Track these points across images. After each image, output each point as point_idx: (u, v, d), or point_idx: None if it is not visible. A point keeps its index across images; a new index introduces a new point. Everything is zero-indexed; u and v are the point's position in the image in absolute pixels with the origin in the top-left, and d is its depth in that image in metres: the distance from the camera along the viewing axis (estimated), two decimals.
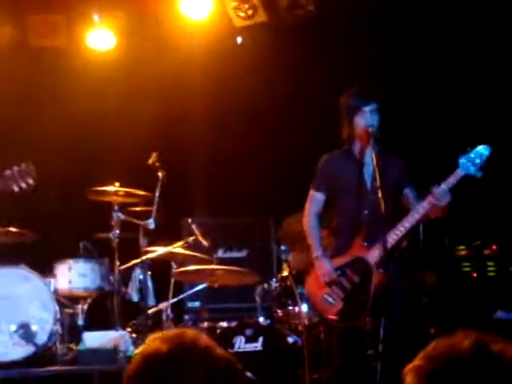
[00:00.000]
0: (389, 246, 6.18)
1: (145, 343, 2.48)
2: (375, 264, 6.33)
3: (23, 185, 6.37)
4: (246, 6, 8.67)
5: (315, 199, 6.65)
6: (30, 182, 6.38)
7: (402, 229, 6.24)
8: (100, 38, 8.96)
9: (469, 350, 2.16)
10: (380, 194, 6.04)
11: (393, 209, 6.28)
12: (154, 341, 2.32)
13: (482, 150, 6.15)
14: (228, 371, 2.31)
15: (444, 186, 6.14)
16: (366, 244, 6.39)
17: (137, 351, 6.89)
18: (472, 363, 2.15)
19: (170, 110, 9.29)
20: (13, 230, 7.32)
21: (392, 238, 6.23)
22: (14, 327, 7.33)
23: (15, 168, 6.37)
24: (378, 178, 6.09)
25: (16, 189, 6.36)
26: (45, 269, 8.02)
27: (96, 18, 8.66)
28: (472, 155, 6.13)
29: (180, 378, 2.23)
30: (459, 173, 6.15)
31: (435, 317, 7.60)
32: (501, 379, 2.16)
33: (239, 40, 9.25)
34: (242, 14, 8.74)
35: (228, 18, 8.81)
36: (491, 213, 8.66)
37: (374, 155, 6.20)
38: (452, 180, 6.16)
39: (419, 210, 6.18)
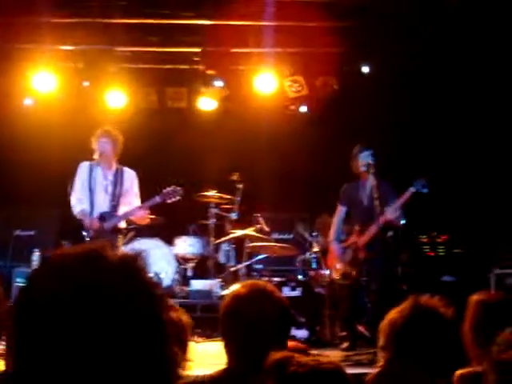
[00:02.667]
0: (370, 235, 6.33)
1: (231, 288, 2.61)
2: (362, 246, 6.44)
3: (173, 199, 6.36)
4: (296, 84, 8.56)
5: (339, 210, 6.77)
6: (178, 197, 6.40)
7: (373, 227, 6.29)
8: (206, 102, 8.85)
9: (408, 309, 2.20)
10: (375, 203, 6.09)
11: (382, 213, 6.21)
12: (238, 287, 2.38)
13: (425, 177, 6.21)
14: (284, 307, 2.35)
15: (394, 206, 6.20)
16: (359, 233, 6.48)
17: (225, 293, 7.13)
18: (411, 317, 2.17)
19: (246, 147, 9.15)
20: (151, 216, 7.06)
21: (371, 230, 6.32)
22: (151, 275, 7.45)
23: (169, 188, 6.36)
24: (374, 194, 6.13)
25: (169, 201, 6.38)
26: (169, 240, 8.11)
27: (204, 90, 8.63)
28: (421, 180, 6.18)
29: (254, 310, 2.25)
30: (411, 189, 6.19)
31: (405, 279, 7.48)
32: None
33: (303, 109, 9.06)
34: (293, 89, 8.62)
35: (285, 92, 8.72)
36: (444, 212, 8.40)
37: (372, 182, 6.25)
38: (401, 200, 6.21)
39: (379, 220, 6.16)
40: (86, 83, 8.32)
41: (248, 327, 2.23)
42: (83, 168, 6.46)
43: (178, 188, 6.40)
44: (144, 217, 6.48)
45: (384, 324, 2.21)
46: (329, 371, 1.66)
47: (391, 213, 6.25)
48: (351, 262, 6.53)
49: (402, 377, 2.17)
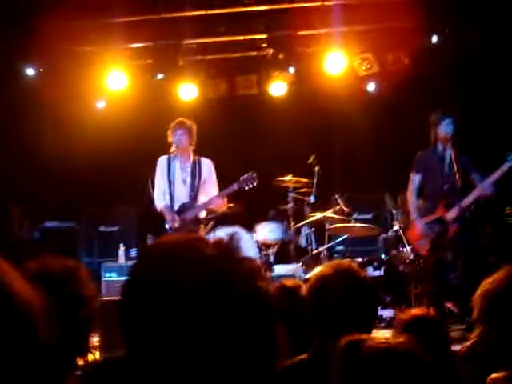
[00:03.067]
0: (461, 209, 6.17)
1: (314, 271, 2.70)
2: (451, 220, 6.27)
3: (250, 186, 6.38)
4: (366, 61, 8.49)
5: (413, 179, 6.56)
6: (254, 184, 6.41)
7: (466, 201, 6.17)
8: (277, 87, 8.84)
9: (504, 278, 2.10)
10: (457, 176, 6.03)
11: (463, 186, 6.18)
12: (323, 267, 2.48)
13: None
14: (370, 286, 2.40)
15: (487, 181, 6.03)
16: (446, 208, 6.31)
17: (308, 276, 7.13)
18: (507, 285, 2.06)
19: (320, 129, 9.18)
20: (231, 205, 7.20)
21: (463, 204, 6.18)
22: None
23: (246, 175, 6.39)
24: (455, 166, 6.04)
25: (246, 188, 6.41)
26: (249, 227, 8.04)
27: (275, 76, 8.62)
28: None
29: (341, 291, 2.27)
30: (507, 165, 6.01)
31: (492, 252, 7.21)
32: None
33: (371, 87, 8.98)
34: (363, 67, 8.54)
35: (355, 71, 8.66)
36: None
37: (451, 152, 6.17)
38: (495, 175, 6.03)
39: (474, 194, 6.09)
40: (158, 76, 8.41)
41: (335, 308, 2.24)
42: (162, 162, 6.53)
43: (254, 175, 6.42)
44: (223, 205, 6.51)
45: (477, 295, 2.13)
46: (402, 352, 1.57)
47: (486, 188, 6.11)
48: (437, 237, 6.38)
49: (499, 349, 2.10)
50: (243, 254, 1.12)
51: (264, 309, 1.08)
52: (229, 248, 1.10)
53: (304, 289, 2.56)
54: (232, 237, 1.12)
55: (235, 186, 6.38)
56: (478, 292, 2.12)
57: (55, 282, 1.76)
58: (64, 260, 1.87)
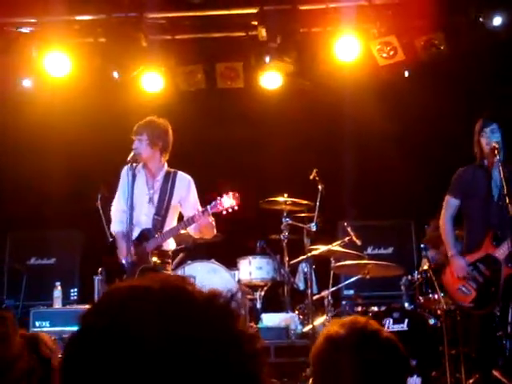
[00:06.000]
0: None
1: (318, 323, 2.63)
2: (504, 259, 6.18)
3: (229, 209, 6.24)
4: (388, 47, 8.42)
5: (450, 204, 6.52)
6: (235, 206, 6.23)
7: None
8: (270, 79, 8.79)
9: None
10: (506, 200, 5.89)
11: None
12: (333, 325, 2.43)
13: None
14: (397, 351, 2.40)
15: None
16: (494, 243, 6.23)
17: (306, 330, 7.00)
18: None
19: (324, 135, 9.26)
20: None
21: None
22: None
23: (224, 196, 6.25)
24: (504, 186, 5.92)
25: (224, 212, 6.25)
26: (229, 263, 8.19)
27: (267, 61, 8.55)
28: None
29: (359, 359, 2.27)
30: None
31: None
32: None
33: (407, 73, 8.98)
34: (384, 55, 8.48)
35: (373, 59, 8.58)
36: None
37: (500, 168, 6.05)
38: None
39: None
40: (110, 64, 8.38)
41: (352, 381, 2.27)
42: (124, 173, 6.50)
43: (235, 195, 6.32)
44: (211, 227, 6.40)
45: None
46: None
47: None
48: (486, 283, 6.27)
49: None
50: (241, 319, 1.17)
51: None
52: (224, 306, 1.16)
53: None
54: (232, 292, 1.18)
55: (210, 209, 6.28)
56: None
57: None
58: None
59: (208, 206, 6.22)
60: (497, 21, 8.04)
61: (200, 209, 6.33)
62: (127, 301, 1.13)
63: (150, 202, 6.41)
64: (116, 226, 6.44)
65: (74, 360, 1.12)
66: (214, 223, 6.37)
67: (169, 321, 1.10)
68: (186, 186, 6.49)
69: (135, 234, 6.28)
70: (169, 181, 6.45)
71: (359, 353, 2.30)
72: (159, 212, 6.39)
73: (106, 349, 1.08)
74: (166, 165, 6.49)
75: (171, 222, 6.43)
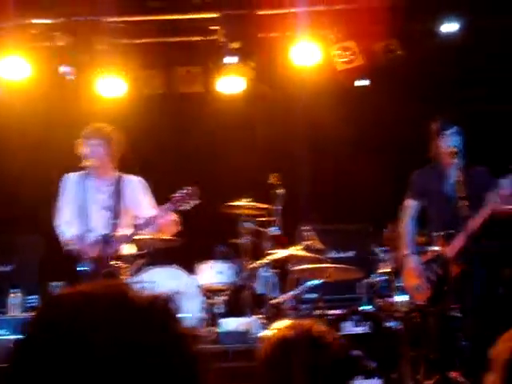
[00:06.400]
0: (465, 241, 6.12)
1: (274, 330, 2.59)
2: (453, 257, 6.25)
3: (188, 205, 6.36)
4: (348, 52, 8.50)
5: (409, 206, 6.61)
6: (195, 202, 6.36)
7: (473, 224, 6.10)
8: (229, 84, 8.79)
9: None
10: (462, 202, 5.96)
11: (475, 212, 6.10)
12: (280, 328, 2.46)
13: None
14: (343, 353, 2.38)
15: (500, 191, 6.03)
16: (447, 242, 6.31)
17: (265, 334, 7.01)
18: None
19: (283, 139, 9.23)
20: (166, 237, 7.18)
21: (468, 231, 6.10)
22: None
23: (182, 191, 6.36)
24: (461, 189, 5.99)
25: (183, 208, 6.36)
26: (190, 268, 8.11)
27: (226, 66, 8.61)
28: None
29: (304, 360, 2.28)
30: None
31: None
32: None
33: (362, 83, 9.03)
34: (343, 60, 8.54)
35: (330, 64, 8.63)
36: None
37: (457, 170, 6.13)
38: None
39: (490, 203, 6.06)
40: (68, 68, 8.32)
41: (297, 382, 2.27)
42: (69, 182, 6.53)
43: (193, 189, 6.41)
44: (174, 223, 6.47)
45: (495, 354, 2.16)
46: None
47: (508, 186, 6.06)
48: (438, 281, 6.37)
49: None
50: (180, 319, 1.18)
51: None
52: (165, 310, 1.17)
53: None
54: (172, 296, 1.19)
55: (169, 207, 6.35)
56: (495, 352, 2.13)
57: None
58: None
59: (168, 204, 6.29)
60: (449, 27, 8.16)
61: (159, 208, 6.41)
62: (70, 308, 1.12)
63: (104, 208, 6.47)
64: (67, 235, 6.40)
65: (19, 369, 1.11)
66: (177, 219, 6.44)
67: (112, 327, 1.10)
68: (137, 188, 6.55)
69: (92, 239, 6.31)
70: (120, 184, 6.50)
71: (306, 356, 2.30)
72: (113, 216, 6.44)
73: (50, 357, 1.08)
74: (115, 169, 6.54)
75: (127, 225, 6.45)
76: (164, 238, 7.23)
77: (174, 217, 6.41)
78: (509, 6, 8.10)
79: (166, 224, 6.40)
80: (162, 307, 1.16)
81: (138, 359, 1.09)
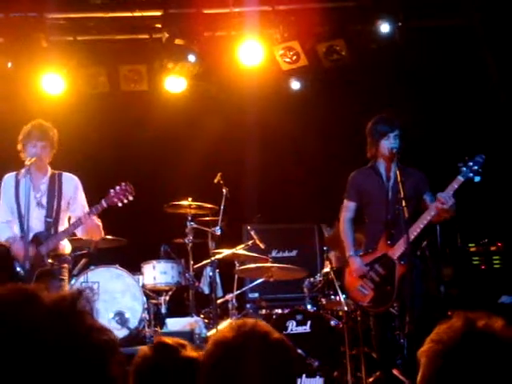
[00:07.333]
0: (407, 242, 6.05)
1: (219, 328, 2.63)
2: (397, 258, 6.26)
3: (125, 200, 6.31)
4: (291, 52, 8.48)
5: (347, 207, 6.59)
6: (130, 198, 6.32)
7: (418, 229, 6.13)
8: (174, 82, 8.76)
9: (460, 328, 1.96)
10: (403, 203, 5.92)
11: (413, 213, 6.13)
12: (224, 328, 2.41)
13: (478, 158, 6.03)
14: (286, 353, 2.30)
15: (447, 192, 6.03)
16: (389, 243, 6.32)
17: (209, 334, 7.04)
18: (464, 338, 1.94)
19: (228, 139, 9.22)
20: (109, 237, 7.24)
21: (411, 233, 6.08)
22: (111, 315, 7.47)
23: (118, 187, 6.31)
24: (401, 190, 5.97)
25: (119, 204, 6.31)
26: (134, 268, 8.08)
27: (171, 66, 8.53)
28: (470, 163, 6.00)
29: (245, 361, 2.23)
30: (460, 179, 6.03)
31: (451, 302, 7.46)
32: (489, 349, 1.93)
33: (296, 85, 9.08)
34: (287, 60, 8.54)
35: (276, 63, 8.63)
36: (496, 214, 8.47)
37: (397, 172, 6.12)
38: (454, 185, 6.05)
39: (430, 213, 6.08)
40: (7, 64, 8.23)
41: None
42: (6, 182, 6.46)
43: (128, 185, 6.37)
44: (98, 230, 6.41)
45: (424, 350, 1.99)
46: None
47: (446, 199, 6.03)
48: (381, 282, 6.34)
49: None
50: (90, 316, 1.22)
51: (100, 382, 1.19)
52: (71, 305, 1.20)
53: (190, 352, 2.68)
54: (84, 291, 1.24)
55: (104, 203, 6.29)
56: (427, 345, 2.01)
57: None
58: None
59: (93, 208, 6.24)
60: (387, 28, 8.20)
61: (87, 210, 6.34)
62: None
63: (39, 206, 6.37)
64: (5, 236, 6.33)
65: None
66: (100, 224, 6.36)
67: (17, 325, 1.14)
68: (73, 186, 6.48)
69: (28, 239, 6.18)
70: (55, 182, 6.42)
71: (249, 356, 2.26)
72: (50, 214, 6.36)
73: None
74: (49, 167, 6.47)
75: (64, 223, 6.41)
76: (108, 237, 7.23)
77: (98, 222, 6.36)
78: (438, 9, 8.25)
79: (92, 228, 6.33)
80: (68, 305, 1.19)
81: (44, 355, 1.12)
